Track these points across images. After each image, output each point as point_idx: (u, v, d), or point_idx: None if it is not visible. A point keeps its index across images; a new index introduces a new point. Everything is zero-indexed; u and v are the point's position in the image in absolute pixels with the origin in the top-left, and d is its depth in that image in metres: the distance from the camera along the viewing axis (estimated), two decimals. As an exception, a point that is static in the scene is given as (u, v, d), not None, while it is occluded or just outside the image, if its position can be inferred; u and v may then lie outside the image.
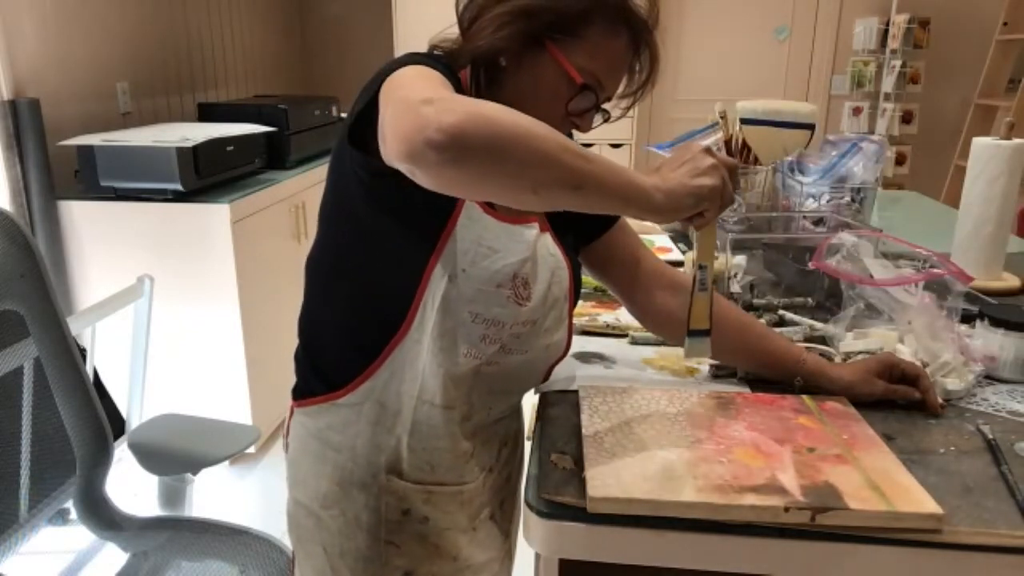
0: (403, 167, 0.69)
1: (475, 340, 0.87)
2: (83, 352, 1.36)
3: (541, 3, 0.84)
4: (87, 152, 2.28)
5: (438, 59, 0.87)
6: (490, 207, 0.86)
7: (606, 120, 0.92)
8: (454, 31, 0.92)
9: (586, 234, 1.03)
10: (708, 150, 0.79)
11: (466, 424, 0.92)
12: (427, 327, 0.85)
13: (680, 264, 1.50)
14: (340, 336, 0.91)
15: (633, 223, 1.08)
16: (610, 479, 0.76)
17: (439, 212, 0.83)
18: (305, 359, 0.96)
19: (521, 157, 0.67)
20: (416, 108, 0.66)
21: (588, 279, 1.17)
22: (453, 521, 0.93)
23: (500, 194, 0.71)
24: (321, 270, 0.93)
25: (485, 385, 0.91)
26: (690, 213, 0.79)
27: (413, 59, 0.83)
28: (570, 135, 0.99)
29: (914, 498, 0.73)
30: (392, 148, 0.68)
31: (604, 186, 0.72)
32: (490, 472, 1.00)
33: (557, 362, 0.98)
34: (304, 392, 0.95)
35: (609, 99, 0.91)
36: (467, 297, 0.84)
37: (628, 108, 0.94)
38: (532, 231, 0.89)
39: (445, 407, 0.88)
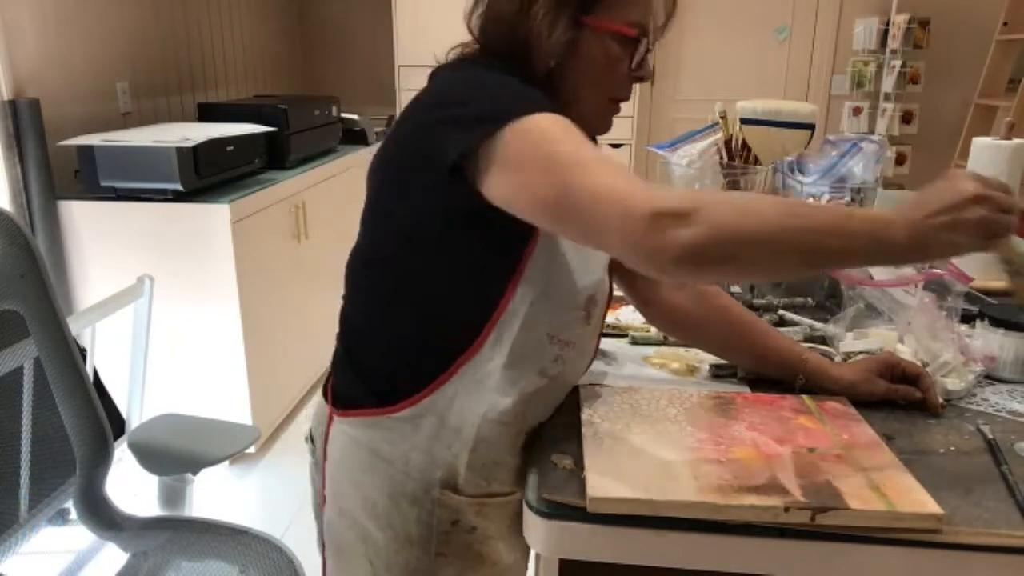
0: (636, 267, 0.71)
1: (548, 360, 0.87)
2: (83, 352, 1.36)
3: None
4: (87, 152, 2.28)
5: (526, 83, 0.84)
6: None
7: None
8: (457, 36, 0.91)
9: None
10: (974, 181, 0.72)
11: (519, 438, 0.91)
12: (502, 347, 0.84)
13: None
14: (401, 350, 0.88)
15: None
16: (610, 479, 0.76)
17: (521, 235, 0.83)
18: (352, 369, 0.93)
19: (760, 249, 0.69)
20: (653, 224, 0.67)
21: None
22: (498, 529, 0.92)
23: (744, 279, 0.78)
24: (382, 283, 0.89)
25: (541, 400, 0.91)
26: (954, 247, 0.72)
27: (519, 93, 0.80)
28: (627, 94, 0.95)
29: (914, 498, 0.73)
30: (630, 256, 0.70)
31: (845, 248, 0.71)
32: None
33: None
34: (350, 402, 0.91)
35: (654, 40, 0.91)
36: (546, 319, 0.85)
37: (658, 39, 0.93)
38: (604, 255, 0.88)
39: (506, 424, 0.87)
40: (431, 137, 0.81)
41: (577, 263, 0.86)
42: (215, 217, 2.32)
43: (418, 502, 0.88)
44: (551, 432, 0.90)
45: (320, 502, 0.98)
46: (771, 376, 1.02)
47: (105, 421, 1.27)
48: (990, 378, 1.06)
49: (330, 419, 0.94)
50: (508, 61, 0.86)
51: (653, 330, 1.17)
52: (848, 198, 1.51)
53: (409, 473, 0.88)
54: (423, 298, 0.86)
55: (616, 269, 1.07)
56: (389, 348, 0.89)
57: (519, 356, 0.85)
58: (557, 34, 0.84)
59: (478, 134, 0.76)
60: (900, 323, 1.09)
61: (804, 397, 0.96)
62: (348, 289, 0.94)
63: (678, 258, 0.67)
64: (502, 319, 0.84)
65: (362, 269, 0.92)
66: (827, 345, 1.12)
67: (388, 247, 0.88)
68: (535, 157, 0.74)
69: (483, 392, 0.85)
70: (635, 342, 1.18)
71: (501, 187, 0.77)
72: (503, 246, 0.83)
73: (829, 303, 1.30)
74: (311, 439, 1.01)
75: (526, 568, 1.09)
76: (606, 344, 1.17)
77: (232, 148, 2.53)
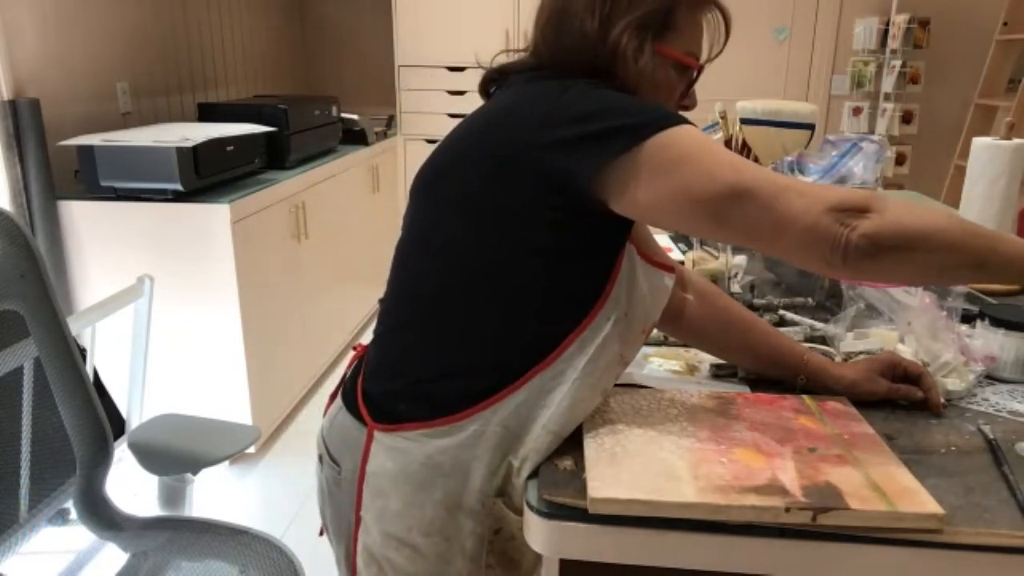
0: (810, 265, 0.77)
1: (612, 379, 0.88)
2: (83, 352, 1.36)
3: (640, 12, 0.86)
4: (87, 152, 2.28)
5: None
6: (642, 248, 0.87)
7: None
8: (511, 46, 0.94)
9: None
10: None
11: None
12: (577, 362, 0.84)
13: (680, 264, 1.50)
14: (475, 361, 0.86)
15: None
16: (611, 480, 0.76)
17: (609, 255, 0.84)
18: (406, 384, 0.88)
19: (930, 248, 0.74)
20: (834, 216, 0.73)
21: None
22: None
23: (906, 280, 0.79)
24: (453, 303, 0.86)
25: (585, 413, 0.91)
26: None
27: (647, 104, 0.81)
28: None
29: (915, 498, 0.73)
30: (805, 242, 0.74)
31: (1006, 261, 0.76)
32: None
33: None
34: (401, 417, 0.87)
35: (702, 69, 0.94)
36: (620, 339, 0.86)
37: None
38: (671, 282, 0.90)
39: (559, 436, 0.86)
40: (552, 156, 0.80)
41: (647, 286, 0.88)
42: (215, 217, 2.32)
43: (474, 514, 0.87)
44: (551, 432, 0.89)
45: (353, 524, 0.93)
46: (772, 376, 1.02)
47: (105, 421, 1.27)
48: (991, 378, 1.06)
49: (369, 435, 0.89)
50: (587, 76, 0.87)
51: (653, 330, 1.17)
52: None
53: (469, 484, 0.86)
54: (507, 313, 0.85)
55: None
56: (460, 358, 0.86)
57: (591, 373, 0.85)
58: (644, 60, 0.86)
59: (619, 147, 0.78)
60: (900, 323, 1.09)
61: (804, 397, 0.96)
62: (398, 302, 0.91)
63: (859, 247, 0.73)
64: (583, 335, 0.84)
65: (419, 283, 0.89)
66: (827, 345, 1.12)
67: (458, 263, 0.86)
68: (695, 162, 0.77)
69: (547, 402, 0.85)
70: (635, 342, 1.18)
71: (650, 195, 0.78)
72: (594, 265, 0.84)
73: (829, 303, 1.30)
74: (330, 458, 0.95)
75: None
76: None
77: (232, 148, 2.53)
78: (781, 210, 0.74)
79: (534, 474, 0.83)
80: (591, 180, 0.79)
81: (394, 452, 0.87)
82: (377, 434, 0.89)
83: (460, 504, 0.86)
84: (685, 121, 0.80)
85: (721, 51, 0.94)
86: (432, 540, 0.88)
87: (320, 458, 0.98)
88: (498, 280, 0.84)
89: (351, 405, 0.93)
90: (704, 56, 0.93)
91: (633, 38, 0.86)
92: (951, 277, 0.78)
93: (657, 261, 0.89)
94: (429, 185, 0.90)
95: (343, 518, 0.95)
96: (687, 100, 0.94)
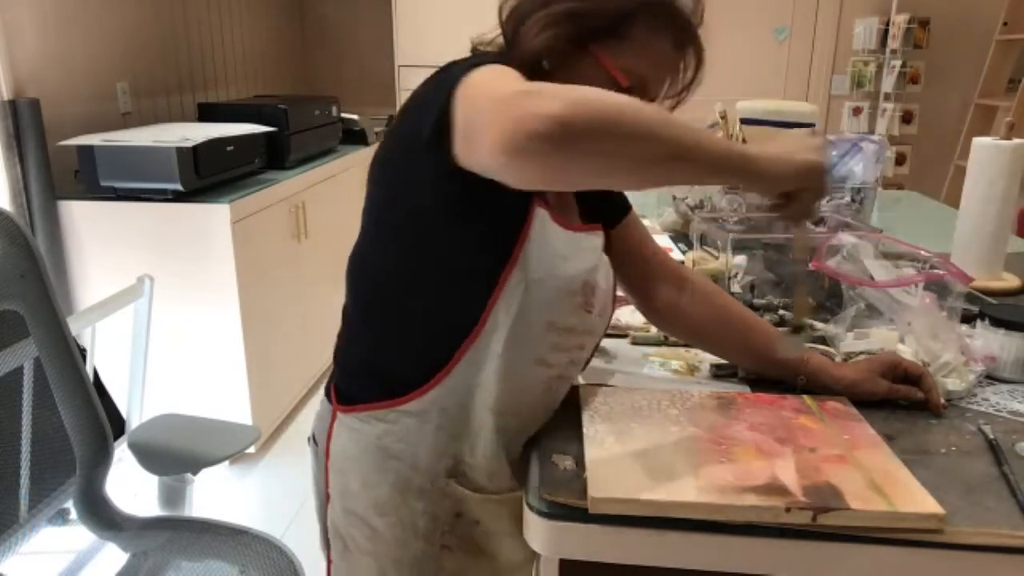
0: (497, 163, 0.68)
1: (546, 350, 0.87)
2: (83, 352, 1.36)
3: (585, 5, 0.84)
4: (87, 152, 2.28)
5: (499, 59, 0.85)
6: (558, 215, 0.85)
7: None
8: (489, 34, 0.92)
9: (606, 222, 1.00)
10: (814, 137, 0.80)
11: (520, 436, 0.91)
12: (500, 334, 0.84)
13: (681, 263, 1.50)
14: (405, 344, 0.88)
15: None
16: (611, 479, 0.76)
17: (512, 221, 0.83)
18: (357, 365, 0.93)
19: (624, 134, 0.66)
20: (514, 100, 0.66)
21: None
22: (501, 526, 0.92)
23: (604, 175, 0.71)
24: (384, 282, 0.89)
25: (550, 397, 0.91)
26: (791, 186, 0.78)
27: (481, 61, 0.80)
28: None
29: (915, 498, 0.73)
30: (489, 144, 0.67)
31: (708, 154, 0.71)
32: None
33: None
34: (355, 398, 0.91)
35: (654, 100, 0.90)
36: (542, 305, 0.84)
37: (672, 108, 0.92)
38: (599, 240, 0.88)
39: (504, 414, 0.86)
40: (422, 134, 0.81)
41: (569, 249, 0.85)
42: (215, 217, 2.32)
43: (425, 494, 0.89)
44: (551, 432, 0.89)
45: (324, 501, 0.97)
46: (772, 376, 1.02)
47: (105, 421, 1.27)
48: (991, 378, 1.06)
49: (333, 416, 0.93)
50: (502, 57, 0.86)
51: (653, 330, 1.17)
52: (848, 198, 1.52)
53: (417, 467, 0.89)
54: (427, 292, 0.86)
55: (618, 268, 1.07)
56: (396, 344, 0.89)
57: (515, 344, 0.84)
58: (539, 40, 0.84)
59: (440, 111, 0.76)
60: (901, 323, 1.09)
61: (805, 397, 0.96)
62: (349, 285, 0.94)
63: (540, 133, 0.63)
64: (497, 305, 0.83)
65: (361, 264, 0.92)
66: (827, 345, 1.12)
67: (386, 241, 0.88)
68: (466, 102, 0.74)
69: (483, 381, 0.86)
70: (635, 342, 1.18)
71: (458, 148, 0.75)
72: (495, 233, 0.83)
73: (829, 303, 1.30)
74: (313, 440, 1.00)
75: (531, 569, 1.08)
76: (606, 343, 1.17)
77: (232, 148, 2.53)
78: (476, 118, 0.69)
79: (535, 474, 0.82)
80: (446, 150, 0.77)
81: (352, 432, 0.91)
82: (339, 414, 0.93)
83: (410, 487, 0.89)
84: (487, 63, 0.77)
85: (687, 90, 0.90)
86: (387, 520, 0.90)
87: (308, 440, 1.03)
88: (422, 260, 0.85)
89: (327, 389, 0.98)
90: (655, 92, 0.89)
91: (543, 19, 0.84)
92: (645, 173, 0.71)
93: (577, 225, 0.87)
94: (373, 172, 0.90)
95: (320, 496, 0.99)
96: None
